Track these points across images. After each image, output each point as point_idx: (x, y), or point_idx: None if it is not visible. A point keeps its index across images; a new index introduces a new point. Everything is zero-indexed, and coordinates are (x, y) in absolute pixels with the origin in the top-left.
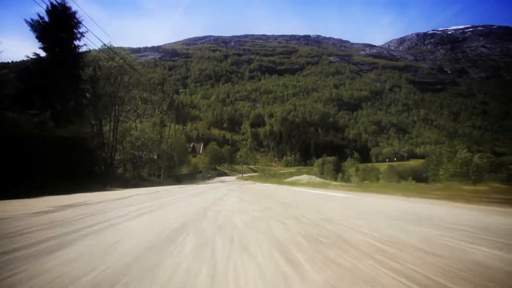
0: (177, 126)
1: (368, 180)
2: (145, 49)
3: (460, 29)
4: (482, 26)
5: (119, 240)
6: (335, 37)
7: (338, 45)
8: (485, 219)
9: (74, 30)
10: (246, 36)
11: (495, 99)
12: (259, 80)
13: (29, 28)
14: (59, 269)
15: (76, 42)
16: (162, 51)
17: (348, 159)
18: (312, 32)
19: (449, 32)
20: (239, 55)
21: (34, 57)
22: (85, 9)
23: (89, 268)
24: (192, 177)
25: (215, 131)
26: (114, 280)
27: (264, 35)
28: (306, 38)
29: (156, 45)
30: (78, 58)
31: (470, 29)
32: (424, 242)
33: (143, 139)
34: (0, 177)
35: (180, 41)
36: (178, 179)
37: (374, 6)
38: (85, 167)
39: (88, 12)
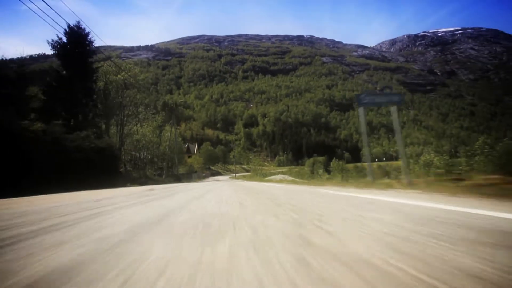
0: (167, 125)
1: (350, 178)
2: (138, 48)
3: (450, 31)
4: (471, 28)
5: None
6: (328, 38)
7: (331, 46)
8: (344, 193)
9: (88, 49)
10: (240, 36)
11: (483, 101)
12: (253, 80)
13: (50, 47)
14: (140, 213)
15: (89, 59)
16: (156, 50)
17: (333, 160)
18: (305, 32)
19: (440, 34)
20: (233, 55)
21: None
22: (77, 6)
23: (155, 211)
24: (189, 176)
25: (209, 131)
26: (173, 210)
27: (258, 35)
28: (300, 38)
29: (149, 44)
30: (91, 73)
31: (460, 31)
32: (297, 196)
33: (143, 142)
34: (62, 176)
35: (173, 40)
36: (178, 178)
37: (366, 7)
38: (115, 168)
39: (79, 9)
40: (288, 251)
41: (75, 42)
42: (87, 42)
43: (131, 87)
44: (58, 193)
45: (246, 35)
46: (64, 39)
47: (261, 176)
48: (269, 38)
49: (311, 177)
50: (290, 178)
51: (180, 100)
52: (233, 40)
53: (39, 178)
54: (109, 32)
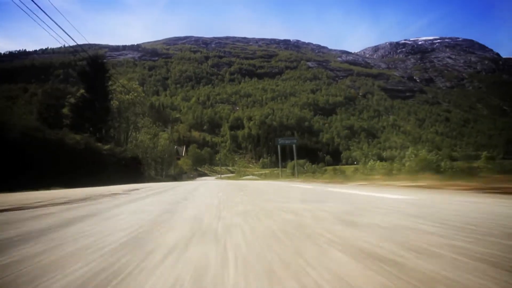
0: (160, 131)
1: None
2: (124, 47)
3: (430, 40)
4: (449, 38)
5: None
6: (314, 43)
7: (317, 51)
8: (287, 183)
9: (105, 75)
10: (227, 38)
11: (458, 107)
12: (239, 83)
13: (77, 75)
14: (162, 198)
15: (106, 83)
16: (142, 51)
17: (306, 164)
18: (292, 36)
19: (420, 43)
20: (220, 57)
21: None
22: (59, 0)
23: (191, 187)
24: (179, 177)
25: (196, 134)
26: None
27: (245, 38)
28: (286, 42)
29: (135, 44)
30: (108, 95)
31: (438, 40)
32: (252, 184)
33: (142, 147)
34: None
35: (160, 41)
36: (175, 178)
37: (351, 14)
38: (139, 170)
39: (60, 3)
40: (244, 201)
41: (96, 70)
42: (105, 69)
43: (138, 105)
44: (114, 185)
45: (233, 37)
46: (87, 68)
47: (240, 176)
48: (256, 41)
49: (284, 176)
50: (258, 178)
51: (176, 115)
52: (220, 42)
53: (84, 176)
54: (93, 29)
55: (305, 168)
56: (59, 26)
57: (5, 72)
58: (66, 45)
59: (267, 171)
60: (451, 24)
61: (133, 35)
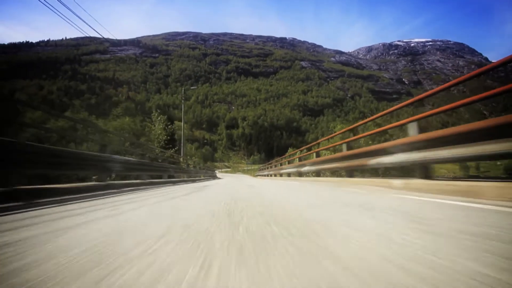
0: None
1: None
2: (125, 42)
3: (422, 42)
4: (440, 40)
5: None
6: (310, 41)
7: (311, 50)
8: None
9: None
10: (225, 34)
11: (442, 113)
12: (235, 81)
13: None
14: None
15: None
16: (143, 46)
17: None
18: (288, 34)
19: (412, 45)
20: (217, 54)
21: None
22: None
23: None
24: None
25: (196, 133)
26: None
27: (242, 35)
28: (282, 40)
29: (135, 38)
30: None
31: (430, 43)
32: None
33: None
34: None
35: (159, 35)
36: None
37: (348, 12)
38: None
39: None
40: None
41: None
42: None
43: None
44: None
45: (231, 34)
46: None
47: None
48: (253, 38)
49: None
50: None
51: (192, 87)
52: (218, 39)
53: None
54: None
55: None
56: (63, 18)
57: (14, 65)
58: (68, 37)
59: (256, 166)
60: (445, 26)
61: (130, 27)
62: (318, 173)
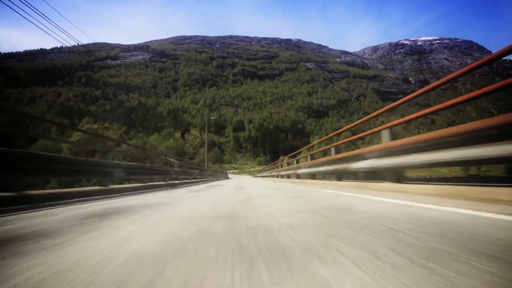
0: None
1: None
2: (135, 47)
3: (429, 40)
4: (448, 38)
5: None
6: (315, 42)
7: (317, 51)
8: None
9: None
10: (230, 37)
11: (446, 109)
12: (242, 84)
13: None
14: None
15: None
16: (151, 51)
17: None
18: (294, 35)
19: (419, 43)
20: (224, 58)
21: None
22: None
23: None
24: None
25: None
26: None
27: (247, 37)
28: (287, 42)
29: (144, 43)
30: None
31: (438, 41)
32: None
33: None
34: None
35: (167, 40)
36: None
37: (355, 11)
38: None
39: None
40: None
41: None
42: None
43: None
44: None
45: (236, 36)
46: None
47: (244, 173)
48: (258, 40)
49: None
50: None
51: (212, 117)
52: (224, 42)
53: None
54: (98, 20)
55: None
56: (73, 24)
57: (32, 73)
58: (80, 44)
59: (261, 167)
60: (452, 23)
61: (139, 31)
62: (313, 176)
